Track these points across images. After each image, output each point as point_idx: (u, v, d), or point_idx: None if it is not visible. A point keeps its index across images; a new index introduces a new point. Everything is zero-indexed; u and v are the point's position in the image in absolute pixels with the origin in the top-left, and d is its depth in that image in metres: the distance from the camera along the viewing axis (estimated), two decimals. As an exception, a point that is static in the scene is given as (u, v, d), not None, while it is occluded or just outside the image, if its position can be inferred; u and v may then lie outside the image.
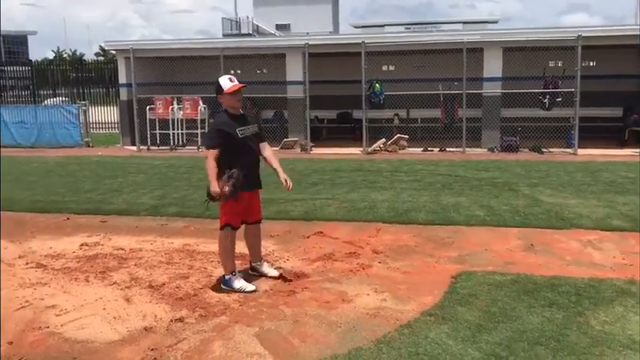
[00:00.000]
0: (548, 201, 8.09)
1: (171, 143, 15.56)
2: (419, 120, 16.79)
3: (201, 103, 15.45)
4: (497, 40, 14.06)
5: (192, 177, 10.85)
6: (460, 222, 7.08)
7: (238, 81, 4.96)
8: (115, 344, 3.96)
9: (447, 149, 14.22)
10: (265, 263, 5.36)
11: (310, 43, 14.61)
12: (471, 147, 14.11)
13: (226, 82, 4.88)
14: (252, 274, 5.27)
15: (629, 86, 15.21)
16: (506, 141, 14.02)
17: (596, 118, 14.96)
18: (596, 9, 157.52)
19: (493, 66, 14.07)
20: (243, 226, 5.20)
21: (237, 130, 4.83)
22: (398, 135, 14.77)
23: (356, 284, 5.03)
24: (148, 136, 15.60)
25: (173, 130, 15.60)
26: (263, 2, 44.73)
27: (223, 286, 4.94)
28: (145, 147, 15.55)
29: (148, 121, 15.53)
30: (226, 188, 4.76)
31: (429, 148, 14.37)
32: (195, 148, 15.31)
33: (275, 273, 5.23)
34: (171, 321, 4.31)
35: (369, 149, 14.35)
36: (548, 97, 13.98)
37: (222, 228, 5.01)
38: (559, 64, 15.16)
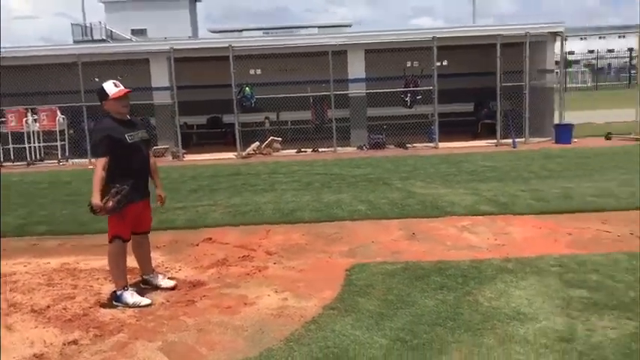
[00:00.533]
0: (421, 192, 8.60)
1: (28, 158, 14.39)
2: (289, 122, 17.07)
3: (59, 113, 14.47)
4: (359, 42, 14.64)
5: (57, 192, 10.15)
6: (344, 217, 7.31)
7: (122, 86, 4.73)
8: (3, 377, 3.62)
9: (320, 149, 14.57)
10: (159, 275, 5.16)
11: (175, 47, 14.23)
12: (341, 146, 14.57)
13: (111, 87, 4.63)
14: (145, 287, 5.05)
15: (478, 83, 16.52)
16: (373, 139, 14.66)
17: (451, 114, 16.10)
18: (438, 12, 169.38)
19: (357, 68, 14.65)
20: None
21: (125, 135, 4.59)
22: (271, 138, 14.87)
23: (255, 287, 5.01)
24: (0, 151, 14.31)
25: (29, 143, 14.44)
26: (116, 7, 42.95)
27: (116, 303, 4.67)
28: (-3, 164, 14.26)
29: (-1, 136, 14.28)
30: (110, 203, 4.49)
31: (302, 149, 14.63)
32: (56, 161, 14.32)
33: (170, 284, 5.05)
34: (64, 344, 4.02)
35: (244, 153, 14.31)
36: (409, 95, 14.82)
37: (111, 241, 4.73)
38: (416, 65, 16.13)
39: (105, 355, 3.85)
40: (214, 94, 16.31)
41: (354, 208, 7.73)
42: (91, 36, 40.42)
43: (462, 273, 5.05)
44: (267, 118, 17.27)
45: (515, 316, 4.12)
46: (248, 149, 14.51)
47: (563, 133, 13.90)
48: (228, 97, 15.27)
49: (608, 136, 14.30)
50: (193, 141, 17.24)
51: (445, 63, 16.73)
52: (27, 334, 4.23)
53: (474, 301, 4.44)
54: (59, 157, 14.35)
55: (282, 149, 14.83)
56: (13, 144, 14.43)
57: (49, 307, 4.73)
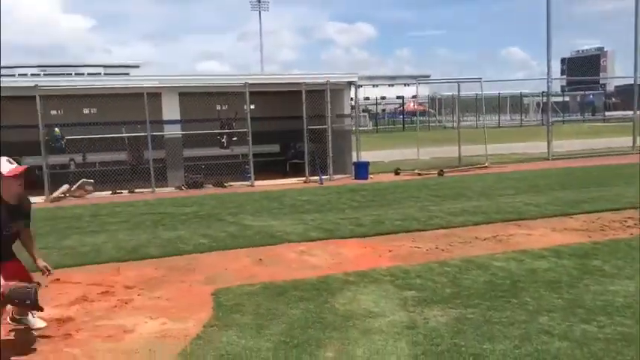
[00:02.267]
0: (254, 224, 9.31)
1: None
2: (97, 164, 16.60)
3: None
4: (173, 85, 15.04)
5: None
6: (191, 251, 7.70)
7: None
8: None
9: (136, 190, 14.48)
10: (29, 315, 5.06)
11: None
12: (159, 187, 14.66)
13: (5, 164, 4.33)
14: (15, 325, 4.95)
15: (283, 126, 17.83)
16: (191, 178, 15.03)
17: (260, 154, 17.15)
18: (226, 58, 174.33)
19: (171, 110, 14.97)
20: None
21: (9, 225, 4.39)
22: (83, 179, 14.38)
23: (128, 317, 5.24)
24: None
25: None
26: None
27: None
28: None
29: None
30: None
31: (117, 191, 14.41)
32: None
33: (43, 324, 5.00)
34: (-54, 388, 3.91)
35: (52, 196, 13.65)
36: (225, 137, 15.55)
37: None
38: (227, 108, 16.97)
39: (-1, 390, 3.85)
40: (10, 136, 15.27)
41: (197, 242, 8.15)
42: None
43: (314, 287, 5.85)
44: (72, 159, 16.58)
45: (368, 315, 5.02)
46: (56, 192, 13.87)
47: (361, 170, 15.74)
48: (29, 139, 14.50)
49: (397, 172, 16.52)
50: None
51: (252, 107, 17.84)
52: None
53: (331, 307, 5.25)
54: None
55: (95, 191, 14.43)
56: None
57: None
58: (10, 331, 4.89)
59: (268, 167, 16.98)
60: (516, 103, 55.29)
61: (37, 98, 13.36)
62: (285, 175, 16.81)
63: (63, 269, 7.00)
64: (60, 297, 5.88)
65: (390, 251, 7.35)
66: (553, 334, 4.45)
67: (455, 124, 42.35)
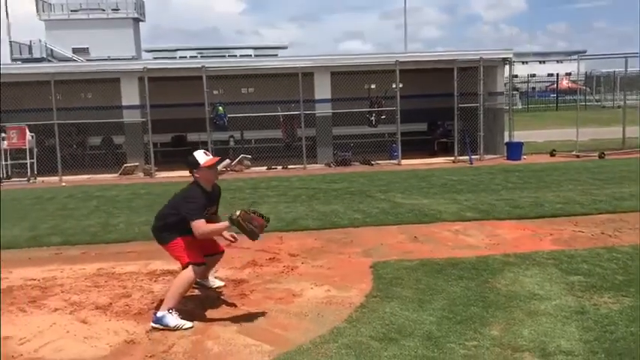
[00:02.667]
0: (405, 202, 9.39)
1: (-5, 176, 14.25)
2: (253, 141, 17.59)
3: (27, 131, 14.44)
4: (326, 65, 15.44)
5: (46, 208, 10.28)
6: (346, 225, 7.98)
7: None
8: (109, 358, 4.07)
9: (289, 166, 15.16)
10: (209, 277, 5.56)
11: (149, 67, 14.57)
12: (309, 164, 15.23)
13: (202, 155, 4.87)
14: (195, 287, 5.48)
15: (431, 104, 17.60)
16: (340, 156, 15.41)
17: (407, 133, 17.10)
18: (368, 37, 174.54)
19: (323, 89, 15.41)
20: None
21: (207, 208, 4.84)
22: (242, 155, 15.33)
23: (295, 282, 5.59)
24: (-34, 170, 14.11)
25: (-4, 161, 14.30)
26: (57, 26, 42.14)
27: (155, 325, 4.53)
28: (-36, 182, 14.01)
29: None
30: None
31: (272, 167, 15.19)
32: (24, 179, 14.23)
33: (221, 283, 5.52)
34: (147, 332, 4.48)
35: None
36: (374, 115, 15.73)
37: (185, 267, 4.74)
38: (375, 86, 17.09)
39: (191, 338, 4.34)
40: (179, 113, 16.68)
41: (352, 217, 8.41)
42: (31, 54, 39.50)
43: (473, 266, 5.82)
44: (231, 136, 17.72)
45: (533, 297, 4.91)
46: (219, 166, 14.88)
47: (514, 150, 15.14)
48: (193, 116, 15.74)
49: (552, 153, 15.66)
50: (158, 159, 17.45)
51: (401, 85, 17.80)
52: (105, 326, 4.65)
53: (493, 287, 5.21)
54: (29, 175, 14.27)
55: (252, 166, 15.33)
56: (-23, 162, 14.24)
57: (111, 304, 5.14)
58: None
59: (415, 146, 16.89)
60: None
61: (204, 78, 14.40)
62: (432, 155, 16.63)
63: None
64: (233, 261, 6.40)
65: (551, 235, 7.07)
66: None
67: (615, 104, 39.06)
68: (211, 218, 4.92)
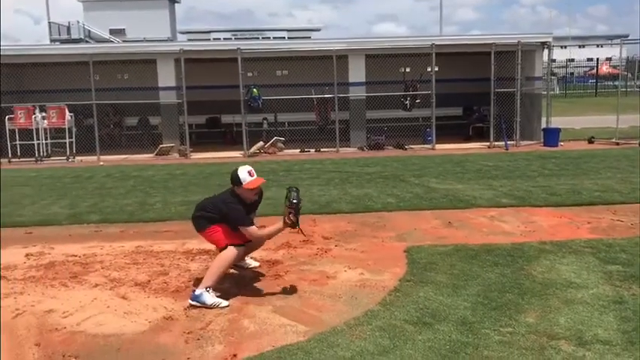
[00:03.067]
0: (440, 187, 9.34)
1: (36, 154, 14.62)
2: (286, 123, 17.64)
3: (67, 111, 14.75)
4: (360, 47, 15.35)
5: (84, 186, 10.52)
6: (379, 209, 7.98)
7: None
8: (148, 333, 4.17)
9: (322, 149, 15.19)
10: (246, 259, 5.63)
11: (185, 49, 14.69)
12: (342, 147, 15.23)
13: (245, 175, 4.87)
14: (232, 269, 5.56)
15: (467, 88, 17.39)
16: (373, 140, 15.37)
17: (442, 117, 16.92)
18: (402, 19, 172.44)
19: (357, 72, 15.33)
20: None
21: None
22: (275, 137, 15.44)
23: (328, 264, 5.64)
24: (9, 147, 14.50)
25: (37, 140, 14.66)
26: (94, 7, 42.77)
27: (193, 302, 4.63)
28: (6, 159, 14.41)
29: (7, 132, 14.45)
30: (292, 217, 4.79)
31: (305, 149, 15.23)
32: (63, 158, 14.58)
33: (256, 264, 5.61)
34: (185, 309, 4.58)
35: (249, 152, 14.84)
36: (409, 99, 15.61)
37: (223, 248, 4.86)
38: (410, 70, 16.92)
39: (228, 317, 4.43)
40: (213, 95, 16.84)
41: (385, 201, 8.40)
42: (69, 34, 40.20)
43: (508, 253, 5.77)
44: (265, 119, 17.80)
45: (569, 285, 4.86)
46: (253, 148, 15.04)
47: (551, 136, 14.86)
48: (227, 98, 15.87)
49: (590, 140, 15.33)
50: (192, 140, 17.66)
51: (436, 69, 17.58)
52: (145, 302, 4.76)
53: (528, 274, 5.17)
54: (67, 154, 14.61)
55: (285, 149, 15.41)
56: (20, 140, 14.62)
57: (149, 281, 5.27)
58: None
59: (449, 130, 16.72)
60: None
61: (239, 60, 14.47)
62: (467, 140, 16.46)
63: (267, 217, 7.68)
64: (267, 242, 6.45)
65: (588, 223, 6.95)
66: None
67: (658, 90, 37.83)
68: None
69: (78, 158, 14.73)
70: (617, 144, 14.73)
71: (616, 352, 3.69)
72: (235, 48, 14.64)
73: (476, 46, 15.43)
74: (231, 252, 4.78)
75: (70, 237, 6.96)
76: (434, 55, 14.70)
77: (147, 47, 16.18)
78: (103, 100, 14.72)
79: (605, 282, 4.92)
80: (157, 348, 3.93)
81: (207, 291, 4.67)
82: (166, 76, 15.16)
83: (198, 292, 4.68)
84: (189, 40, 46.72)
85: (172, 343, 3.99)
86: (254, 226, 4.81)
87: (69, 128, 14.77)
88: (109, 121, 17.10)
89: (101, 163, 13.88)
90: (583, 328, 4.03)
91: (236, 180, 4.87)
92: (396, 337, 3.96)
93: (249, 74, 17.60)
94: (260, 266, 5.61)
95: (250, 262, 5.64)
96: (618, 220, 7.03)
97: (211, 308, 4.57)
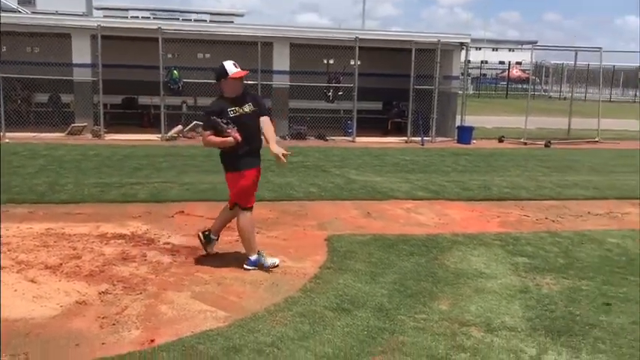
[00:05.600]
0: (359, 179, 9.51)
1: None
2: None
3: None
4: (286, 36, 15.30)
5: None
6: (301, 198, 8.03)
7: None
8: (60, 318, 4.00)
9: (243, 136, 15.02)
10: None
11: (103, 25, 14.08)
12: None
13: (231, 66, 4.93)
14: (151, 251, 5.44)
15: (387, 83, 17.75)
16: (295, 129, 15.40)
17: (363, 111, 17.21)
18: (324, 11, 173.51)
19: (282, 60, 15.28)
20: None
21: (228, 109, 4.91)
22: (195, 122, 15.12)
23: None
24: None
25: None
26: (2, -27, 39.95)
27: (249, 267, 5.06)
28: None
29: None
30: (233, 132, 4.90)
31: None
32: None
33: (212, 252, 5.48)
34: (100, 294, 4.43)
35: (167, 135, 14.47)
36: (331, 90, 15.74)
37: (231, 208, 5.26)
38: (333, 62, 17.08)
39: (145, 302, 4.32)
40: (130, 75, 16.24)
41: (307, 190, 8.47)
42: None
43: (423, 243, 5.99)
44: (184, 102, 17.38)
45: (480, 275, 5.11)
46: (171, 132, 14.67)
47: (465, 134, 15.48)
48: (145, 79, 15.39)
49: (501, 139, 16.11)
50: (107, 120, 16.97)
51: (359, 63, 17.83)
52: (55, 286, 4.56)
53: (442, 264, 5.39)
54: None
55: (205, 134, 15.13)
56: None
57: (61, 264, 5.05)
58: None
59: (369, 124, 17.02)
60: (632, 78, 51.60)
61: (160, 40, 14.04)
62: (385, 134, 16.82)
63: (186, 202, 7.57)
64: (187, 227, 6.38)
65: (498, 217, 7.33)
66: (674, 315, 4.37)
67: (561, 95, 40.31)
68: (257, 117, 5.09)
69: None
70: (525, 144, 15.57)
71: (521, 337, 3.92)
72: (156, 27, 14.19)
73: (397, 42, 15.77)
74: (244, 218, 5.13)
75: (-29, 217, 6.53)
76: (357, 48, 14.90)
77: (62, 20, 15.31)
78: (9, 74, 13.83)
79: (512, 273, 5.22)
80: (70, 333, 3.78)
81: (260, 254, 5.12)
82: (81, 53, 14.46)
83: (253, 258, 5.08)
84: (106, 16, 44.81)
85: (86, 328, 3.85)
86: (207, 132, 4.99)
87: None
88: (16, 96, 16.09)
89: (7, 141, 13.08)
90: (491, 315, 4.26)
91: (222, 72, 4.93)
92: (315, 322, 4.02)
93: (170, 56, 17.14)
94: (178, 252, 5.49)
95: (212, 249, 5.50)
96: (525, 215, 7.46)
97: (272, 267, 5.05)
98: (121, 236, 5.90)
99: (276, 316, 4.10)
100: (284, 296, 4.49)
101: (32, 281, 4.65)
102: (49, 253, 5.35)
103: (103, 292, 4.47)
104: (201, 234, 5.46)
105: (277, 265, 5.12)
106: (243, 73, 4.99)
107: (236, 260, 5.31)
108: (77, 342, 3.66)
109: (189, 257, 5.40)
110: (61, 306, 4.19)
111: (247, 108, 5.04)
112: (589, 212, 7.72)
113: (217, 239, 5.51)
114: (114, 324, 3.92)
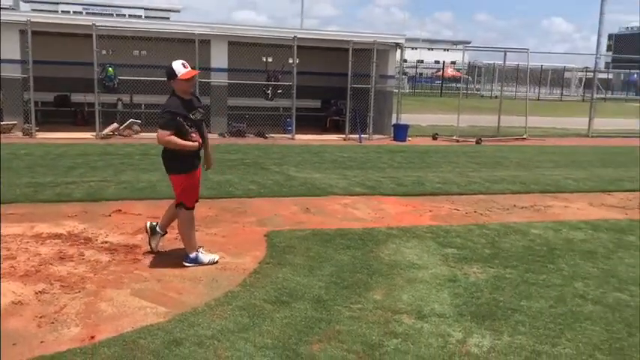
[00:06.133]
0: (298, 176, 9.68)
1: None
2: (143, 105, 17.06)
3: None
4: (223, 34, 15.28)
5: None
6: (241, 195, 8.12)
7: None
8: (-5, 319, 3.96)
9: (181, 134, 14.90)
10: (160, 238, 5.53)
11: (33, 20, 13.64)
12: (202, 132, 15.06)
13: (180, 67, 4.95)
14: (91, 249, 5.41)
15: (325, 82, 17.98)
16: (234, 127, 15.41)
17: (302, 108, 17.40)
18: (262, 8, 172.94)
19: (220, 58, 15.25)
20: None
21: (190, 114, 4.96)
22: (131, 120, 14.90)
23: (189, 248, 5.66)
24: None
25: None
26: None
27: (189, 264, 5.15)
28: None
29: None
30: (197, 137, 5.00)
31: (163, 133, 14.85)
32: None
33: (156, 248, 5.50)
34: (36, 293, 4.40)
35: (102, 134, 14.18)
36: (270, 88, 15.83)
37: (177, 207, 5.26)
38: (272, 60, 17.17)
39: (83, 300, 4.33)
40: (62, 72, 15.84)
41: (247, 187, 8.56)
42: None
43: (359, 237, 6.21)
44: (119, 99, 17.05)
45: (412, 266, 5.37)
46: (106, 130, 14.39)
47: (401, 132, 15.92)
48: (78, 76, 15.07)
49: (434, 137, 16.66)
50: (38, 119, 16.44)
51: (297, 61, 17.99)
52: (-11, 287, 4.49)
53: (376, 256, 5.62)
54: None
55: (142, 132, 14.93)
56: None
57: (-6, 265, 4.95)
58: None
59: (308, 122, 17.23)
60: (558, 77, 54.16)
61: (94, 37, 13.74)
62: (324, 131, 17.08)
63: (123, 201, 7.52)
64: (125, 226, 6.36)
65: (430, 211, 7.65)
66: (587, 298, 4.75)
67: (492, 93, 41.81)
68: (200, 130, 5.18)
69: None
70: (458, 141, 16.16)
71: (449, 323, 4.18)
72: (90, 24, 13.86)
73: (335, 42, 16.03)
74: (184, 214, 5.22)
75: None
76: (295, 47, 15.06)
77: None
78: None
79: (442, 263, 5.50)
80: (6, 333, 3.75)
81: (200, 252, 5.24)
82: (9, 48, 13.96)
83: (193, 255, 5.18)
84: (34, 10, 43.20)
85: (23, 327, 3.84)
86: (166, 132, 4.91)
87: None
88: None
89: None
90: (422, 303, 4.51)
91: (171, 73, 4.96)
92: (255, 315, 4.15)
93: (104, 52, 16.77)
94: (116, 250, 5.49)
95: (158, 247, 5.50)
96: (455, 209, 7.82)
97: (209, 265, 5.15)
98: (57, 236, 5.84)
99: (216, 310, 4.20)
100: (224, 291, 4.59)
101: (-36, 283, 4.56)
102: (-19, 254, 5.24)
103: (39, 291, 4.44)
104: (148, 224, 5.52)
105: (216, 262, 5.25)
106: (193, 73, 5.07)
107: (176, 258, 5.36)
108: (14, 341, 3.64)
109: (128, 255, 5.40)
110: (-4, 307, 4.14)
111: (201, 111, 5.17)
112: (515, 205, 8.17)
113: (163, 235, 5.55)
114: (52, 322, 3.92)
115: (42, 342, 3.65)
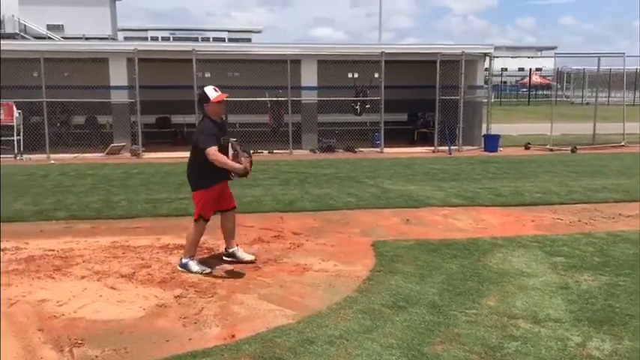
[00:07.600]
0: (394, 188, 9.90)
1: (-18, 152, 14.26)
2: (237, 125, 17.85)
3: (15, 108, 14.48)
4: (313, 53, 15.81)
5: (42, 184, 10.47)
6: (341, 207, 8.44)
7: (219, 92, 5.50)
8: (146, 319, 4.45)
9: (274, 151, 15.53)
10: (240, 249, 5.93)
11: (139, 49, 14.73)
12: (294, 149, 15.63)
13: (212, 92, 5.47)
14: (226, 259, 5.87)
15: (411, 95, 18.14)
16: (325, 142, 15.86)
17: (389, 122, 17.62)
18: (339, 24, 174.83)
19: (310, 76, 15.79)
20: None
21: (221, 137, 5.43)
22: (231, 139, 15.63)
23: (302, 257, 6.03)
24: (-48, 144, 14.10)
25: (-18, 137, 14.32)
26: (31, 1, 41.33)
27: (181, 269, 5.56)
28: (-51, 156, 13.99)
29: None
30: (247, 163, 5.39)
31: (257, 150, 15.51)
32: (12, 156, 14.29)
33: (251, 257, 5.86)
34: (176, 297, 4.88)
35: (202, 152, 14.98)
36: (359, 104, 16.20)
37: (196, 220, 5.61)
38: (358, 76, 17.54)
39: (218, 303, 4.76)
40: (163, 95, 16.89)
41: (345, 200, 8.88)
42: (3, 29, 38.70)
43: (464, 247, 6.35)
44: (215, 120, 17.93)
45: (522, 274, 5.46)
46: (205, 149, 15.18)
47: (492, 142, 15.80)
48: (178, 98, 16.02)
49: (527, 146, 16.39)
50: (142, 140, 17.59)
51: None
52: (135, 292, 5.02)
53: (485, 265, 5.75)
54: (16, 151, 14.34)
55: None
56: (-36, 137, 14.24)
57: (134, 273, 5.51)
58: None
59: (395, 135, 17.42)
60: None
61: (194, 61, 14.64)
62: (411, 144, 17.21)
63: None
64: (240, 237, 6.76)
65: (532, 221, 7.66)
66: None
67: (584, 100, 40.23)
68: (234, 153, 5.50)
69: (26, 156, 14.48)
70: (552, 150, 15.83)
71: (566, 327, 4.27)
72: (190, 49, 14.79)
73: (422, 55, 16.19)
74: (196, 225, 5.61)
75: (41, 233, 7.05)
76: (383, 62, 15.34)
77: (100, 46, 16.07)
78: (49, 98, 14.51)
79: (551, 271, 5.56)
80: (158, 331, 4.22)
81: (192, 259, 5.58)
82: (118, 76, 15.13)
83: (185, 260, 5.57)
84: (126, 38, 46.05)
85: (171, 327, 4.29)
86: (214, 148, 5.25)
87: (17, 125, 14.50)
88: (56, 120, 16.81)
89: (52, 162, 13.73)
90: (537, 309, 4.61)
91: (204, 97, 5.47)
92: (376, 318, 4.41)
93: (199, 74, 17.77)
94: (256, 260, 5.87)
95: (245, 255, 5.86)
96: (558, 219, 7.78)
97: (198, 274, 5.42)
98: (182, 247, 6.33)
99: (339, 314, 4.50)
100: (342, 296, 4.89)
101: (113, 288, 5.11)
102: (121, 263, 5.82)
103: (178, 295, 4.91)
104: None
105: (210, 273, 5.47)
106: (224, 96, 5.49)
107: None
108: (167, 338, 4.10)
109: (248, 264, 5.82)
110: (144, 309, 4.64)
111: (228, 135, 5.60)
112: (620, 214, 8.00)
113: (237, 247, 5.91)
114: (195, 322, 4.36)
115: (190, 339, 4.08)
